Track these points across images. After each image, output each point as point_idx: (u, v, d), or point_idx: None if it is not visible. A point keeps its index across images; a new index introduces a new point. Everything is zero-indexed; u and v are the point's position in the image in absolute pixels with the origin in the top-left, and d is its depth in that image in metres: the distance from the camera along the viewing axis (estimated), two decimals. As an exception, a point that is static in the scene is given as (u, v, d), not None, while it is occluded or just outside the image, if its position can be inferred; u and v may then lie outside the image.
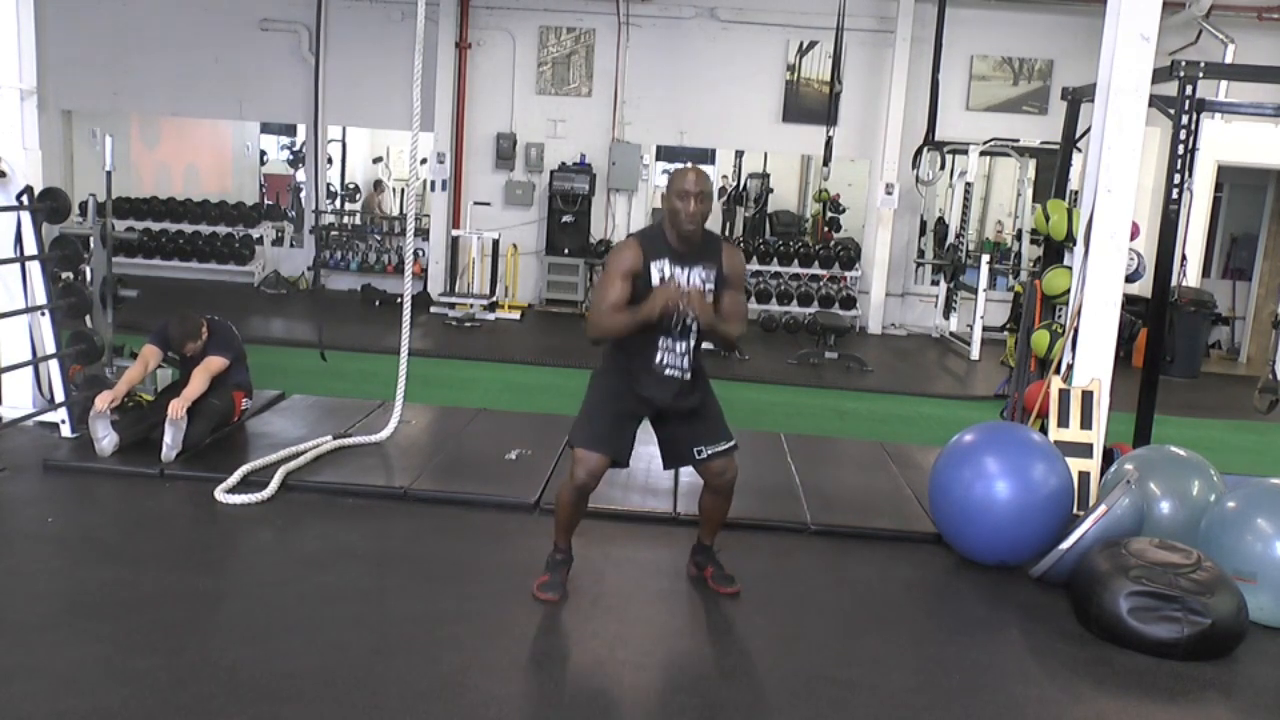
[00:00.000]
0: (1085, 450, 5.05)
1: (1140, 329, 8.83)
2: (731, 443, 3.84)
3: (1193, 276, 10.66)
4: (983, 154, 11.48)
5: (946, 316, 11.66)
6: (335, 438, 5.44)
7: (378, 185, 15.08)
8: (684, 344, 3.73)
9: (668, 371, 3.73)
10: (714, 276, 3.72)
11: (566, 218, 11.86)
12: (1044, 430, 5.19)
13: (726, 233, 14.92)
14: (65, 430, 5.37)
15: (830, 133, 11.47)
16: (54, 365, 5.48)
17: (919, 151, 11.58)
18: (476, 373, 8.68)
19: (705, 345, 3.82)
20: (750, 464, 5.43)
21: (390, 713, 3.00)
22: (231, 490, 4.66)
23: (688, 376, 3.76)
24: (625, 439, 3.82)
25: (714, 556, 4.06)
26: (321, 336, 6.88)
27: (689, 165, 3.77)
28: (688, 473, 4.57)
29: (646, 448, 4.14)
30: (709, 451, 3.81)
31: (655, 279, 3.64)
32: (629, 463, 3.89)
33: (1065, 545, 4.14)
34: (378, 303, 11.52)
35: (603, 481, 4.82)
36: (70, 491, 4.75)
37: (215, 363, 5.30)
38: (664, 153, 12.51)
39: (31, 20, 5.46)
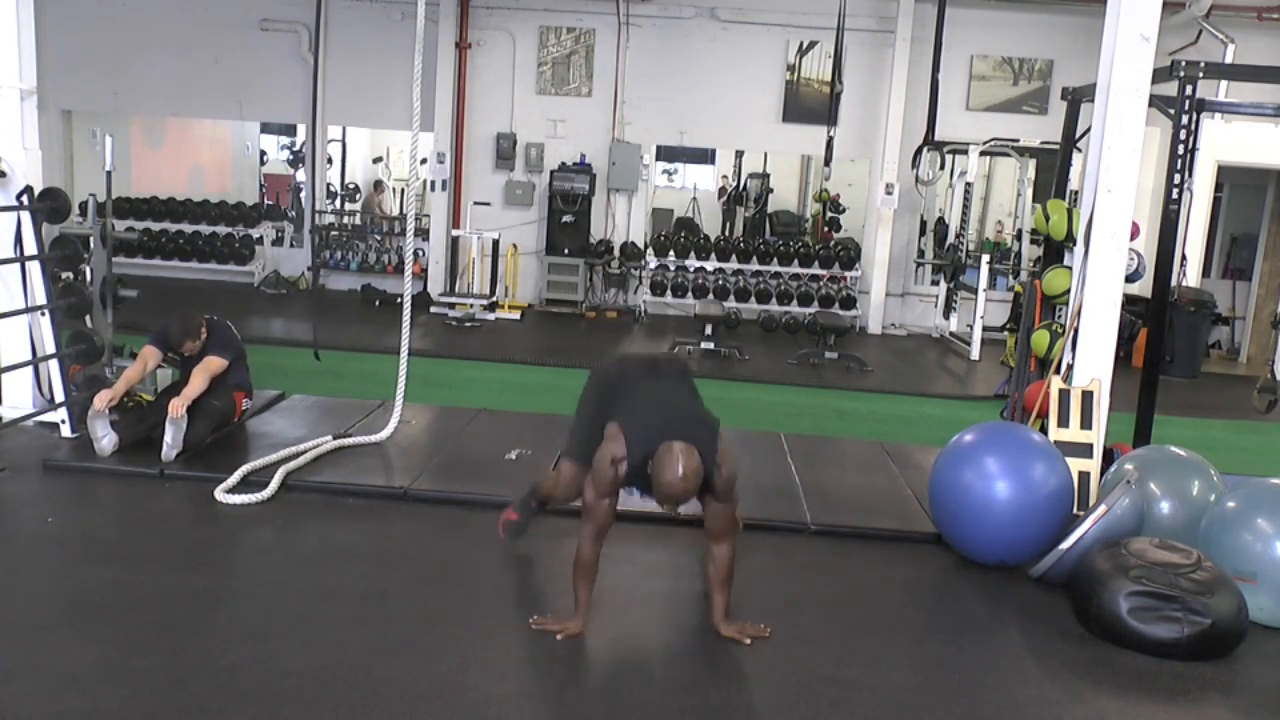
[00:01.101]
0: (1085, 450, 5.06)
1: (1140, 329, 8.83)
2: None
3: (1193, 276, 10.66)
4: (983, 154, 11.49)
5: (946, 316, 11.66)
6: (335, 438, 5.44)
7: (378, 185, 15.08)
8: None
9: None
10: (700, 502, 3.52)
11: (566, 218, 11.86)
12: (1044, 430, 5.19)
13: (727, 233, 14.93)
14: (65, 430, 5.37)
15: (830, 133, 11.47)
16: (54, 365, 5.48)
17: (919, 151, 11.58)
18: (476, 373, 8.68)
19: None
20: (750, 464, 5.45)
21: (390, 713, 3.00)
22: (231, 490, 4.66)
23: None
24: None
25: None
26: (316, 335, 6.88)
27: (676, 455, 3.30)
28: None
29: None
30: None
31: (622, 496, 3.52)
32: None
33: (1065, 545, 4.14)
34: (378, 303, 11.52)
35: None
36: (70, 491, 4.75)
37: (215, 362, 5.30)
38: (664, 153, 12.52)
39: (31, 20, 5.46)
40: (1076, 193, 6.82)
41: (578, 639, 3.50)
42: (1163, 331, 5.84)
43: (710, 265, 12.14)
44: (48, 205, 5.52)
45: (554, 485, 4.10)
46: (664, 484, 3.30)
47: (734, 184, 15.79)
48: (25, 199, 5.39)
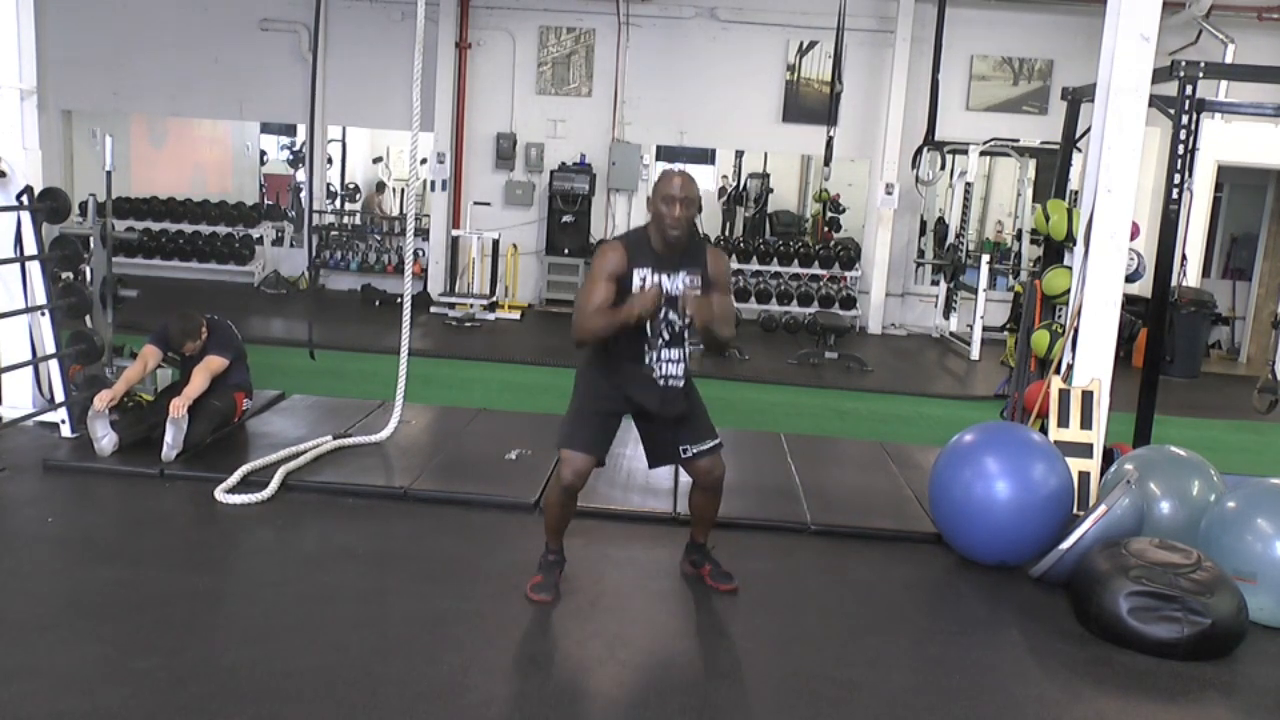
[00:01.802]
0: (1085, 450, 5.05)
1: (1140, 329, 8.83)
2: (716, 441, 3.85)
3: (1193, 276, 10.66)
4: (983, 154, 11.48)
5: (946, 316, 11.66)
6: (335, 438, 5.44)
7: (378, 186, 15.08)
8: (674, 351, 3.74)
9: (662, 382, 3.73)
10: (699, 281, 3.72)
11: (566, 218, 11.86)
12: (1044, 430, 5.19)
13: (726, 233, 14.93)
14: (65, 430, 5.37)
15: (830, 133, 11.47)
16: (54, 365, 5.49)
17: (919, 151, 11.58)
18: (476, 373, 8.68)
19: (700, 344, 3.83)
20: (750, 464, 5.46)
21: (390, 713, 3.00)
22: (231, 490, 4.66)
23: (680, 384, 3.77)
24: (609, 438, 3.84)
25: (709, 554, 4.08)
26: (311, 335, 6.88)
27: (675, 169, 3.76)
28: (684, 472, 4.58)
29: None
30: (694, 450, 3.82)
31: (636, 284, 3.64)
32: (605, 462, 3.90)
33: (1065, 545, 4.14)
34: (378, 303, 11.52)
35: (602, 481, 4.87)
36: (70, 491, 4.75)
37: (215, 362, 5.31)
38: (664, 153, 12.51)
39: (31, 20, 5.46)
40: (1076, 193, 6.82)
41: (575, 633, 3.49)
42: (1163, 331, 5.84)
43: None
44: (48, 205, 5.52)
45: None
46: (668, 187, 3.58)
47: (734, 184, 15.79)
48: (25, 199, 5.39)
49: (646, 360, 3.71)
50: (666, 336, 3.71)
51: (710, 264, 3.75)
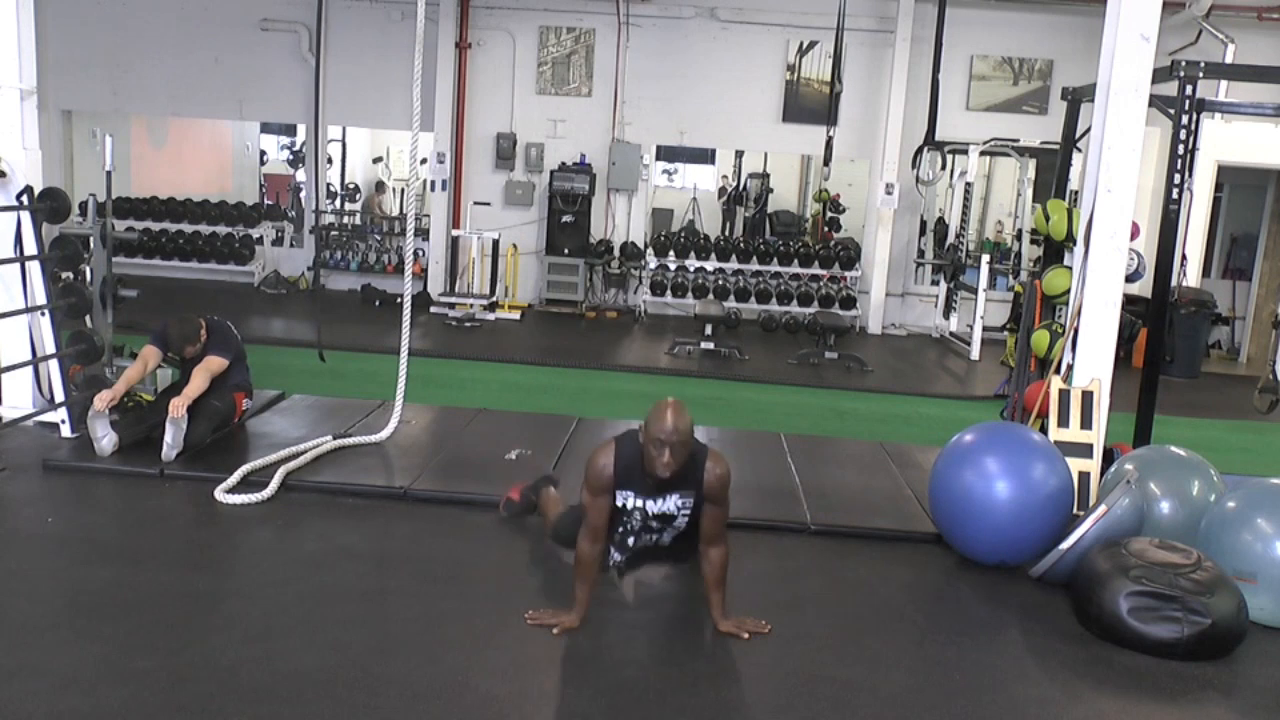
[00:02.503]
0: (1085, 450, 5.06)
1: (1140, 329, 8.82)
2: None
3: (1193, 276, 10.66)
4: (983, 154, 11.48)
5: (946, 316, 11.66)
6: (335, 438, 5.44)
7: (379, 186, 15.09)
8: (653, 537, 3.72)
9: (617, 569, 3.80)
10: (693, 502, 3.56)
11: (566, 218, 11.86)
12: (1044, 430, 5.19)
13: (727, 233, 14.94)
14: (65, 430, 5.37)
15: (830, 133, 11.47)
16: (54, 365, 5.48)
17: (919, 151, 11.58)
18: (476, 373, 8.68)
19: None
20: (750, 464, 5.46)
21: (390, 713, 3.00)
22: (231, 490, 4.66)
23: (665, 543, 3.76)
24: None
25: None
26: (320, 336, 6.89)
27: (668, 403, 3.42)
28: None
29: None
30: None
31: (618, 502, 3.56)
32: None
33: (1065, 545, 4.14)
34: (378, 303, 11.52)
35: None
36: (70, 491, 4.75)
37: (215, 362, 5.31)
38: (664, 153, 12.53)
39: (31, 20, 5.46)
40: (1076, 193, 6.82)
41: (574, 633, 3.52)
42: (1163, 331, 5.84)
43: (710, 265, 12.15)
44: (48, 205, 5.52)
45: (548, 504, 4.34)
46: (659, 429, 3.35)
47: (734, 184, 15.80)
48: (25, 199, 5.39)
49: (609, 562, 3.72)
50: (650, 544, 3.72)
51: (707, 480, 3.51)
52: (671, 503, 3.56)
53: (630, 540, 3.69)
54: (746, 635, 3.57)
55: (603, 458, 3.52)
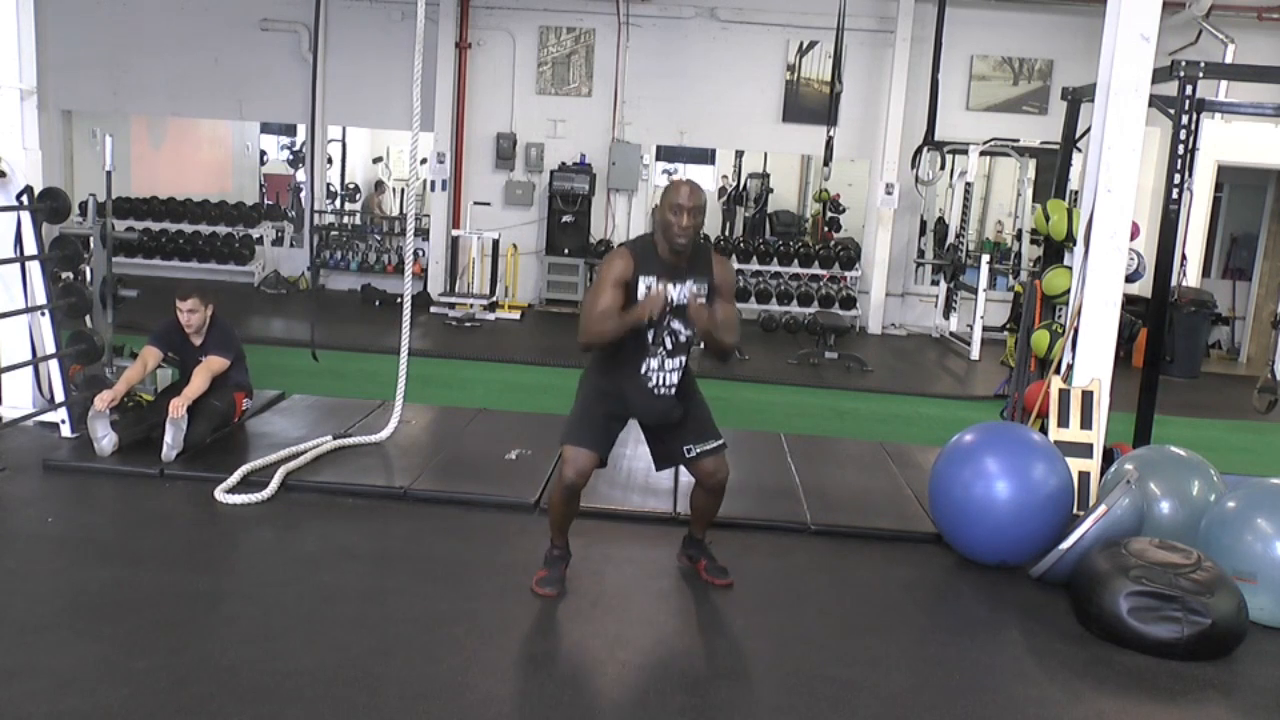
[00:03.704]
0: (1085, 450, 5.06)
1: (1140, 329, 8.82)
2: (719, 441, 3.88)
3: (1193, 276, 10.66)
4: (983, 154, 11.47)
5: (946, 316, 11.65)
6: (335, 438, 5.44)
7: (378, 186, 15.08)
8: (675, 360, 3.78)
9: (658, 390, 3.78)
10: (705, 289, 3.75)
11: (566, 218, 11.86)
12: (1044, 430, 5.19)
13: (726, 233, 14.93)
14: (65, 430, 5.37)
15: (830, 133, 11.47)
16: (54, 365, 5.49)
17: (919, 151, 11.58)
18: (476, 373, 8.68)
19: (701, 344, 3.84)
20: (750, 464, 5.46)
21: (390, 713, 3.00)
22: (231, 490, 4.66)
23: (674, 393, 3.80)
24: (612, 438, 3.87)
25: (706, 549, 4.11)
26: (313, 336, 6.88)
27: (683, 178, 3.78)
28: (687, 472, 4.58)
29: (646, 448, 4.13)
30: (698, 450, 3.85)
31: (641, 291, 3.66)
32: (608, 461, 3.93)
33: (1065, 545, 4.14)
34: (378, 303, 11.52)
35: (603, 481, 4.87)
36: (70, 491, 4.75)
37: (216, 362, 5.31)
38: (664, 153, 12.52)
39: (31, 20, 5.46)
40: (1076, 193, 6.82)
41: (574, 633, 3.49)
42: (1163, 331, 5.84)
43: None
44: (48, 205, 5.52)
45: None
46: (676, 196, 3.58)
47: (734, 184, 15.79)
48: (25, 199, 5.39)
49: (643, 369, 3.74)
50: (669, 345, 3.74)
51: (716, 272, 3.78)
52: (686, 288, 3.68)
53: (650, 335, 3.70)
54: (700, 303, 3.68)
55: (617, 254, 3.70)
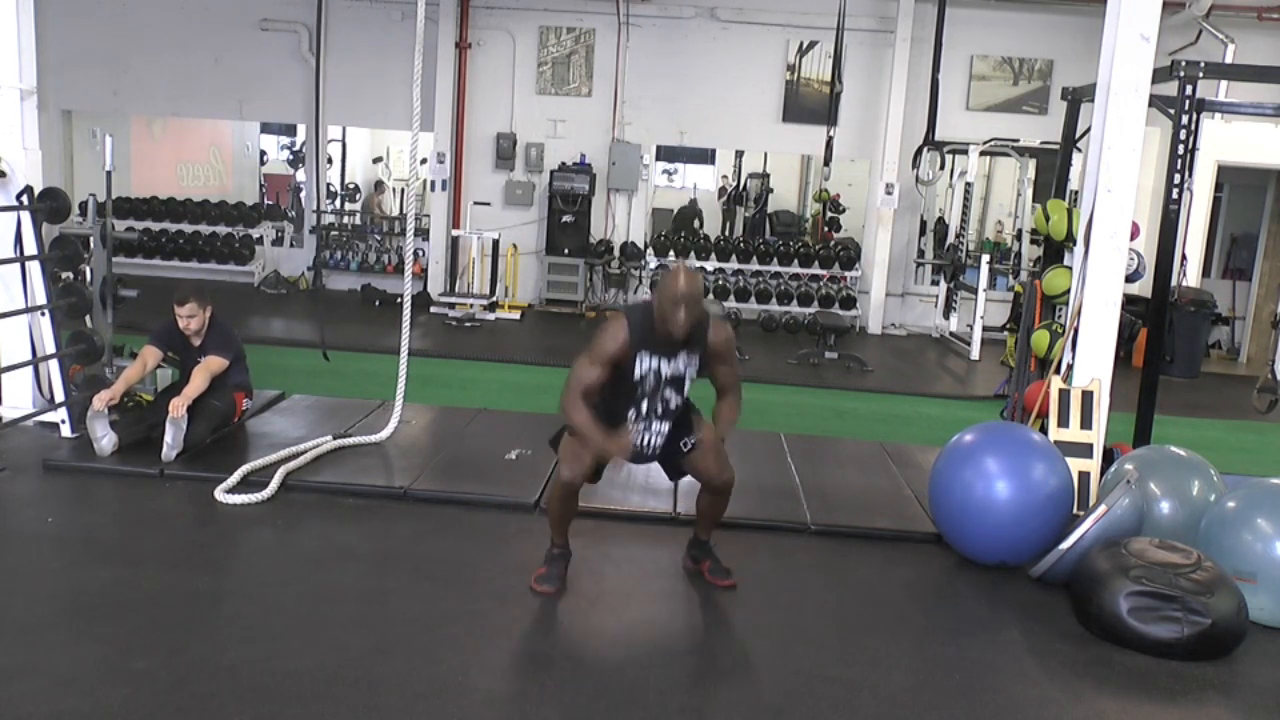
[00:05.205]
0: (1085, 450, 5.06)
1: (1140, 329, 8.81)
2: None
3: (1193, 276, 10.64)
4: (983, 154, 11.48)
5: (946, 316, 11.65)
6: (335, 438, 5.44)
7: (378, 186, 15.09)
8: (663, 424, 3.84)
9: (645, 450, 3.86)
10: (698, 360, 3.80)
11: (566, 218, 11.86)
12: (1044, 430, 5.19)
13: (727, 233, 14.94)
14: (65, 430, 5.37)
15: (830, 133, 11.47)
16: (54, 365, 5.49)
17: (919, 151, 11.58)
18: (476, 373, 8.68)
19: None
20: (750, 464, 5.45)
21: (390, 713, 3.00)
22: (231, 490, 4.66)
23: (662, 442, 3.87)
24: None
25: (711, 550, 4.11)
26: (324, 336, 6.89)
27: (680, 266, 3.81)
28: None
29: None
30: (692, 440, 3.87)
31: (639, 371, 3.72)
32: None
33: (1065, 545, 4.14)
34: (378, 303, 11.52)
35: (603, 481, 4.84)
36: (70, 491, 4.75)
37: (215, 362, 5.31)
38: (664, 153, 12.52)
39: (31, 20, 5.46)
40: (1076, 193, 6.81)
41: (575, 633, 3.49)
42: (1163, 331, 5.84)
43: (710, 265, 12.14)
44: (48, 205, 5.52)
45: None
46: (673, 290, 3.59)
47: (734, 184, 15.79)
48: (25, 199, 5.39)
49: (631, 429, 3.79)
50: (660, 411, 3.81)
51: (711, 340, 3.80)
52: (681, 361, 3.76)
53: (645, 404, 3.77)
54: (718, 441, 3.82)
55: (616, 327, 3.73)
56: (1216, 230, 11.97)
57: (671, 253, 12.10)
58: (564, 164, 11.95)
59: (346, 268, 12.53)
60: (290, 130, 14.74)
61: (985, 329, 10.53)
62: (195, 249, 12.50)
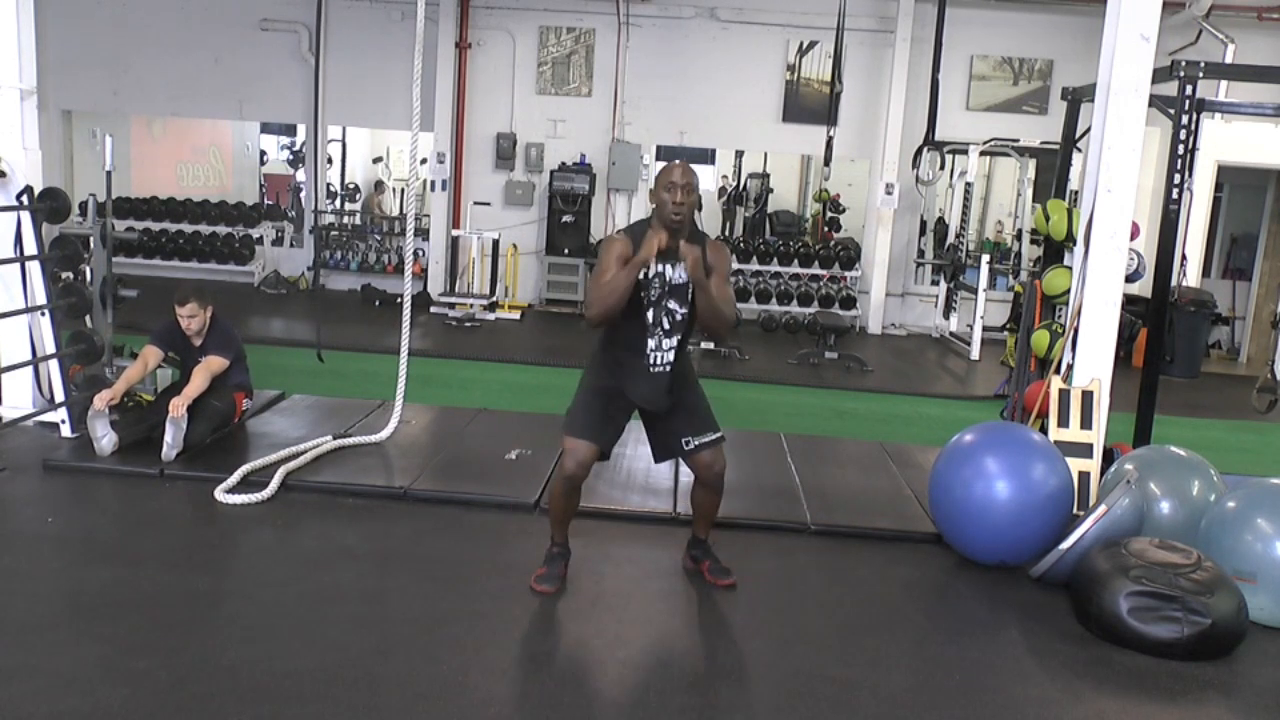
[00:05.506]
0: (1085, 450, 5.06)
1: (1140, 329, 8.82)
2: (718, 434, 3.90)
3: (1193, 276, 10.65)
4: (983, 154, 11.48)
5: (946, 316, 11.65)
6: (335, 438, 5.44)
7: (378, 185, 15.09)
8: (671, 340, 3.80)
9: (654, 368, 3.79)
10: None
11: (566, 218, 11.86)
12: (1044, 430, 5.19)
13: (727, 233, 14.94)
14: (65, 430, 5.37)
15: (830, 133, 11.47)
16: (54, 365, 5.49)
17: (919, 151, 11.58)
18: (476, 373, 8.68)
19: (701, 342, 3.86)
20: (750, 464, 5.46)
21: (390, 713, 3.00)
22: (231, 490, 4.66)
23: (669, 371, 3.82)
24: (614, 431, 3.88)
25: (709, 550, 4.11)
26: (319, 336, 6.89)
27: (676, 160, 3.87)
28: (686, 472, 4.58)
29: (646, 448, 4.14)
30: (696, 442, 3.86)
31: (641, 275, 3.69)
32: (610, 455, 3.94)
33: (1065, 545, 4.14)
34: (378, 303, 11.52)
35: (603, 481, 4.87)
36: (70, 491, 4.75)
37: (216, 362, 5.31)
38: (664, 153, 12.51)
39: (31, 20, 5.46)
40: (1076, 193, 6.82)
41: (574, 633, 3.48)
42: (1163, 331, 5.84)
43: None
44: (48, 205, 5.52)
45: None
46: (669, 175, 3.67)
47: (734, 184, 15.79)
48: (25, 199, 5.39)
49: (642, 347, 3.77)
50: (666, 325, 3.77)
51: (710, 254, 3.79)
52: (681, 270, 3.71)
53: (650, 314, 3.74)
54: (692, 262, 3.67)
55: (615, 237, 3.79)
56: (1216, 230, 11.97)
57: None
58: (564, 164, 11.96)
59: (346, 268, 12.53)
60: (290, 130, 14.74)
61: (985, 329, 10.54)
62: (195, 249, 12.50)
